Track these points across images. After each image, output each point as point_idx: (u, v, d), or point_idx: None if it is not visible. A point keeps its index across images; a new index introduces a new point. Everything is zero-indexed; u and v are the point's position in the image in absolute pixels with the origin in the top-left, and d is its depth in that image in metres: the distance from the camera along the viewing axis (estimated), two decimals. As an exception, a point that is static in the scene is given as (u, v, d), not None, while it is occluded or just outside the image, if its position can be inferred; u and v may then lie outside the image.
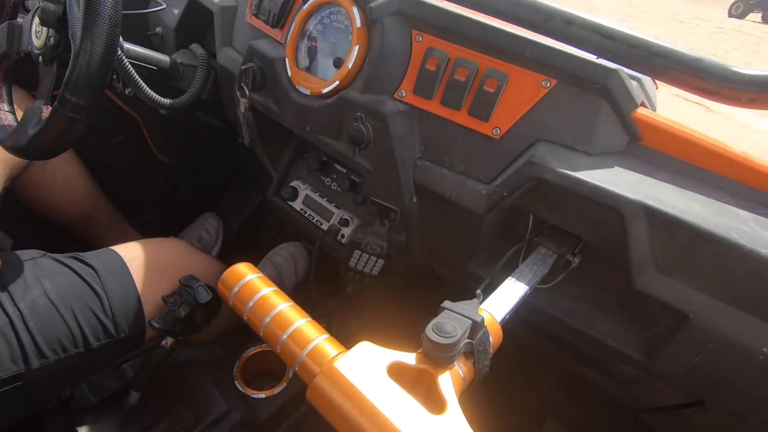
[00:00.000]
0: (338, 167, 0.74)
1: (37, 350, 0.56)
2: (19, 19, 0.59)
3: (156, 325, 0.63)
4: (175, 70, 0.79)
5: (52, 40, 0.54)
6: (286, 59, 0.63)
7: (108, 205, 0.99)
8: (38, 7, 0.53)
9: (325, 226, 0.77)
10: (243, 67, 0.68)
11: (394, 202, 0.61)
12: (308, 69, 0.64)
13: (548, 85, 0.48)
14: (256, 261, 0.87)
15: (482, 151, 0.51)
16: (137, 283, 0.64)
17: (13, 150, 0.56)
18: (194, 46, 0.82)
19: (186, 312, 0.63)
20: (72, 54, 0.48)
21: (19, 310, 0.56)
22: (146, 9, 0.87)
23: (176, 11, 0.86)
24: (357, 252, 0.69)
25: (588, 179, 0.44)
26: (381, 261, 0.70)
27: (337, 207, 0.77)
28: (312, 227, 0.78)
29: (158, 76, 0.78)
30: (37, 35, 0.55)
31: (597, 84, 0.45)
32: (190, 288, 0.64)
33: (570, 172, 0.45)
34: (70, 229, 0.94)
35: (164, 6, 0.85)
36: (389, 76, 0.55)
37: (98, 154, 0.98)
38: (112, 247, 0.68)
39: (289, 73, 0.63)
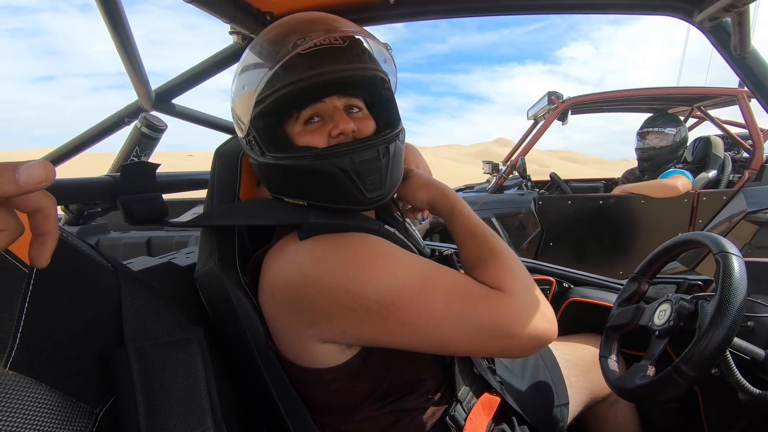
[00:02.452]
0: None
1: None
2: (644, 304, 0.89)
3: None
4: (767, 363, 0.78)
5: (671, 323, 0.78)
6: None
7: None
8: (667, 299, 0.82)
9: None
10: None
11: None
12: None
13: None
14: None
15: None
16: None
17: (617, 389, 0.81)
18: None
19: None
20: (696, 337, 0.69)
21: None
22: None
23: None
24: None
25: None
26: None
27: None
28: None
29: (747, 365, 0.78)
30: (659, 317, 0.81)
31: None
32: None
33: None
34: None
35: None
36: None
37: (648, 410, 1.10)
38: None
39: None
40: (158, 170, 0.85)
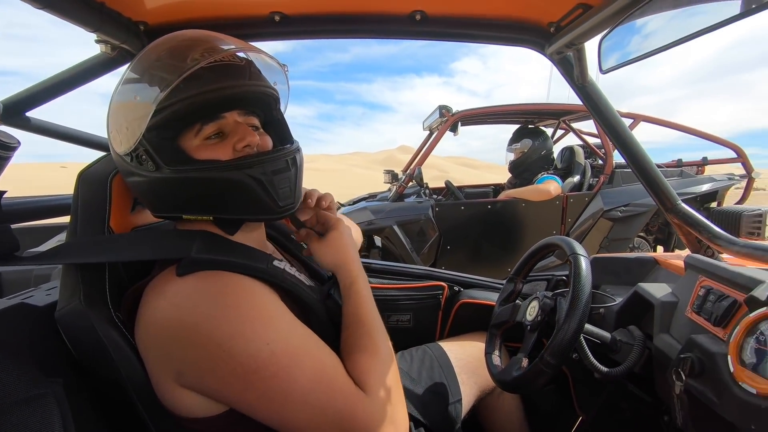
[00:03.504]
0: None
1: None
2: (518, 301, 1.01)
3: None
4: (614, 345, 0.91)
5: (539, 318, 0.90)
6: (729, 356, 0.64)
7: None
8: (536, 297, 0.93)
9: None
10: (681, 355, 0.71)
11: None
12: (755, 368, 0.61)
13: None
14: None
15: None
16: None
17: (499, 382, 0.90)
18: (632, 328, 0.93)
19: None
20: (555, 330, 0.79)
21: None
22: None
23: (619, 299, 1.02)
24: None
25: None
26: None
27: None
28: None
29: (599, 347, 0.93)
30: (530, 313, 0.92)
31: None
32: None
33: None
34: None
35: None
36: None
37: (530, 395, 1.26)
38: None
39: (732, 369, 0.62)
40: (29, 184, 0.72)
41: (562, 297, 0.89)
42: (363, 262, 0.76)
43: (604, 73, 0.84)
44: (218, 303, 0.53)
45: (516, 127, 3.62)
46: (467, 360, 1.09)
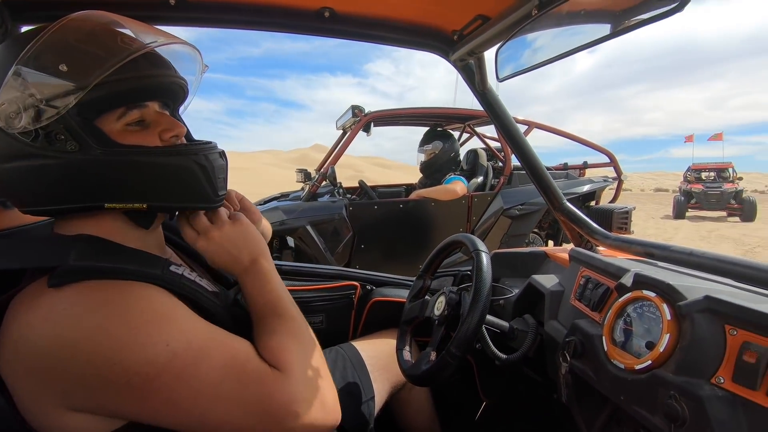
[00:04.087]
0: None
1: None
2: (427, 297, 1.06)
3: None
4: (512, 333, 0.98)
5: (445, 312, 0.94)
6: (603, 336, 0.71)
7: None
8: (443, 293, 0.98)
9: None
10: (567, 338, 0.78)
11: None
12: (623, 346, 0.68)
13: None
14: None
15: None
16: None
17: (409, 377, 0.93)
18: (527, 316, 1.01)
19: None
20: (459, 323, 0.83)
21: None
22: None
23: (516, 290, 1.12)
24: None
25: None
26: None
27: None
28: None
29: (499, 336, 0.99)
30: (438, 308, 0.97)
31: None
32: None
33: None
34: None
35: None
36: (703, 362, 0.56)
37: (439, 387, 1.31)
38: None
39: (606, 348, 0.70)
40: None
41: (465, 291, 0.93)
42: (275, 264, 0.73)
43: (500, 81, 0.90)
44: (103, 314, 0.47)
45: (425, 129, 3.77)
46: (379, 357, 1.10)
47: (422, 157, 3.64)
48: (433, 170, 3.59)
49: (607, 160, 4.01)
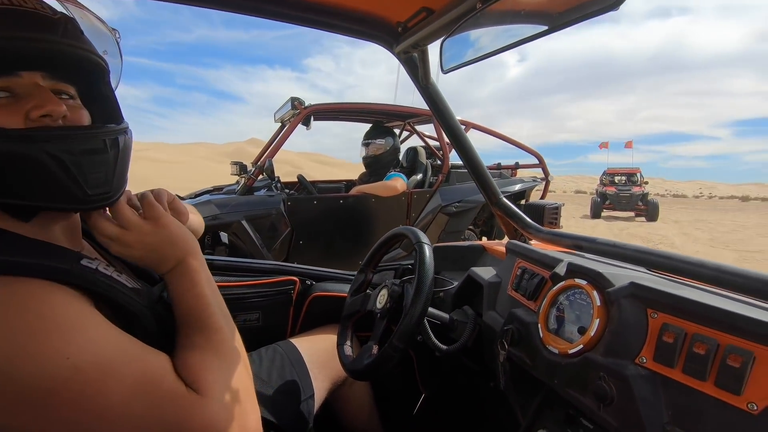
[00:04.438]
0: (584, 422, 0.71)
1: None
2: (369, 291, 1.06)
3: None
4: (452, 324, 0.99)
5: (388, 305, 0.94)
6: (539, 324, 0.74)
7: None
8: (386, 286, 0.98)
9: None
10: (504, 327, 0.80)
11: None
12: (557, 332, 0.72)
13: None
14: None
15: (740, 426, 0.48)
16: None
17: (350, 372, 0.92)
18: (466, 307, 1.02)
19: None
20: (402, 315, 0.84)
21: None
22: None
23: (456, 282, 1.13)
24: None
25: None
26: None
27: None
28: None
29: (439, 328, 1.00)
30: (380, 301, 0.97)
31: None
32: None
33: None
34: None
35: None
36: (629, 344, 0.59)
37: (379, 380, 1.28)
38: None
39: (541, 335, 0.73)
40: None
41: (408, 283, 0.93)
42: (206, 260, 0.66)
43: (445, 73, 0.91)
44: None
45: (366, 126, 3.76)
46: (319, 354, 1.07)
47: (369, 151, 3.59)
48: (379, 166, 3.59)
49: (536, 161, 4.27)
